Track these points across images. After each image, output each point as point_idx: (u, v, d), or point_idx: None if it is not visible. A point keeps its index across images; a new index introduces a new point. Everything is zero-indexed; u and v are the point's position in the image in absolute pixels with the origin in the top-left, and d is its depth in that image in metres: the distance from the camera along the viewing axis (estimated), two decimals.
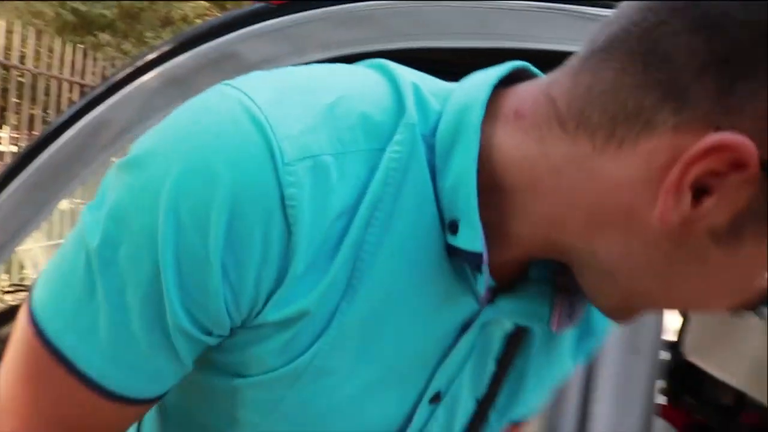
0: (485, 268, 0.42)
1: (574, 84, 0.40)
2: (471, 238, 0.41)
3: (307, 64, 0.99)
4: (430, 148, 0.43)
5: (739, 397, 2.05)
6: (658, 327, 1.12)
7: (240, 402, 0.47)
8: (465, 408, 0.54)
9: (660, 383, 2.43)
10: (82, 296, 0.41)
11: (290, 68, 0.46)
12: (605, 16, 0.92)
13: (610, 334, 1.02)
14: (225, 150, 0.38)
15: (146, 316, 0.40)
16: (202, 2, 7.60)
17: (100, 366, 0.41)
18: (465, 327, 0.48)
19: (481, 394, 0.54)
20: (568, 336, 0.58)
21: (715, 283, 0.42)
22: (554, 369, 0.59)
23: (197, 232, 0.38)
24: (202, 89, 0.40)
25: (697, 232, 0.38)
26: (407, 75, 0.45)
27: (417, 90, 0.44)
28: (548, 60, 0.90)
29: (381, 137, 0.42)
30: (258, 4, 1.00)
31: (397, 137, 0.42)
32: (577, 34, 0.95)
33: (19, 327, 0.44)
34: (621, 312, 0.47)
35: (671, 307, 0.50)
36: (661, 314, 1.11)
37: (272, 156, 0.38)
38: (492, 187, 0.42)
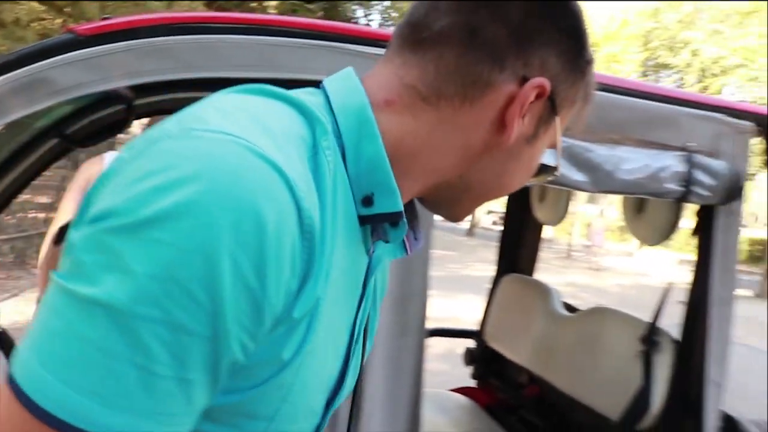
0: (404, 221, 0.58)
1: (424, 71, 0.58)
2: (391, 202, 0.57)
3: (113, 89, 1.11)
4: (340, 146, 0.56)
5: (530, 375, 2.35)
6: (423, 312, 1.31)
7: (249, 412, 0.52)
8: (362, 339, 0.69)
9: (468, 369, 2.73)
10: (111, 363, 0.40)
11: (237, 107, 0.51)
12: (368, 52, 1.15)
13: (382, 319, 1.21)
14: (263, 193, 0.43)
15: (201, 359, 0.42)
16: (36, 5, 7.08)
17: (129, 424, 0.41)
18: (366, 278, 0.63)
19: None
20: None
21: (525, 168, 0.65)
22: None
23: (254, 270, 0.42)
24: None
25: (519, 141, 0.61)
26: (295, 95, 0.56)
27: (310, 106, 0.55)
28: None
29: (312, 148, 0.52)
30: (66, 35, 1.09)
31: (324, 143, 0.53)
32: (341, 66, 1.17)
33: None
34: (465, 214, 0.69)
35: (500, 195, 0.67)
36: (425, 300, 1.32)
37: (292, 192, 0.45)
38: (390, 160, 0.57)
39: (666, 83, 21.05)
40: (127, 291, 0.40)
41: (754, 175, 14.60)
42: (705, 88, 15.79)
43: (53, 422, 0.40)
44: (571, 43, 0.61)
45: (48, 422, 0.40)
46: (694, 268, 1.63)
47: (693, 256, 1.63)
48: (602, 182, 1.35)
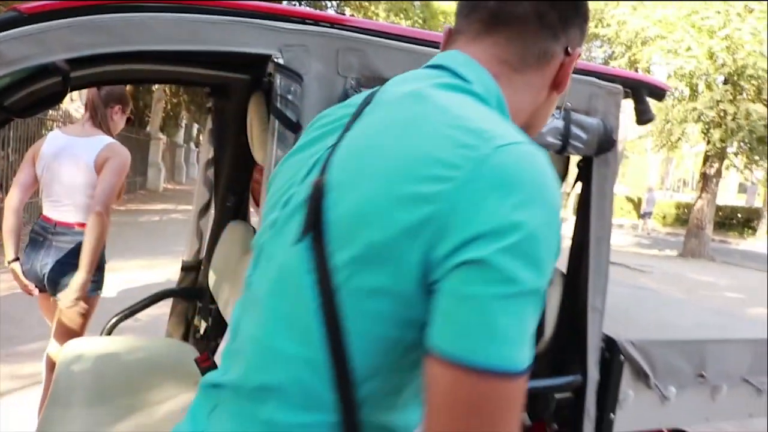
0: None
1: (513, 47, 0.82)
2: None
3: (52, 62, 1.25)
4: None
5: None
6: None
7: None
8: None
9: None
10: (527, 327, 0.61)
11: (482, 111, 0.74)
12: (290, 29, 1.34)
13: None
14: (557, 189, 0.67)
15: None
16: None
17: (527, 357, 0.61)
18: None
19: None
20: None
21: (549, 110, 0.92)
22: None
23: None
24: None
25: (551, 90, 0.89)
26: (455, 82, 0.80)
27: (485, 95, 0.79)
28: (243, 59, 1.34)
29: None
30: (11, 13, 1.22)
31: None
32: (267, 41, 1.35)
33: (470, 400, 0.59)
34: None
35: (539, 128, 0.93)
36: None
37: None
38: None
39: (596, 53, 21.75)
40: (532, 279, 0.61)
41: (678, 140, 15.34)
42: (634, 59, 16.37)
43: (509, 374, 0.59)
44: (583, 21, 0.88)
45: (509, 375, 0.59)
46: (576, 211, 1.89)
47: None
48: None
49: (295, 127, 1.36)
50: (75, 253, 2.65)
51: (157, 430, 1.56)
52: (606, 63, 20.30)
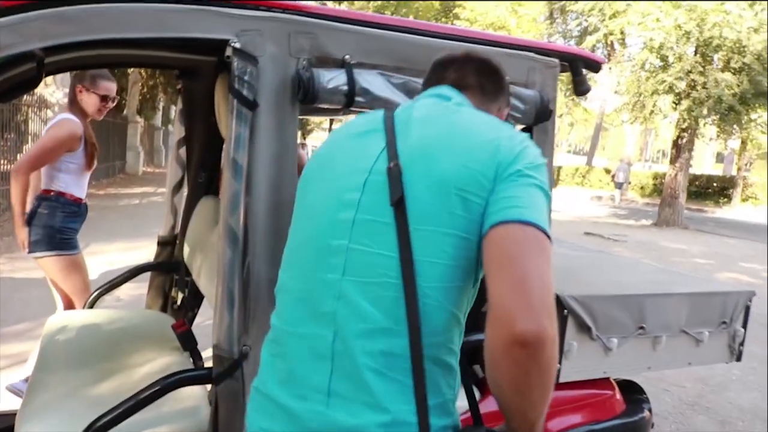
0: None
1: (473, 101, 1.29)
2: None
3: (30, 50, 1.38)
4: None
5: None
6: None
7: None
8: None
9: None
10: (546, 211, 1.04)
11: (485, 118, 1.22)
12: (245, 15, 1.46)
13: None
14: None
15: None
16: None
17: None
18: None
19: None
20: None
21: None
22: None
23: None
24: None
25: None
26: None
27: None
28: (199, 44, 1.48)
29: None
30: None
31: None
32: (225, 27, 1.48)
33: (534, 239, 0.97)
34: None
35: None
36: None
37: None
38: None
39: (571, 26, 21.86)
40: (542, 184, 1.08)
41: (651, 113, 15.56)
42: (609, 32, 16.52)
43: (543, 231, 0.99)
44: (507, 92, 1.39)
45: (543, 232, 0.99)
46: None
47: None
48: None
49: (252, 105, 1.50)
50: (32, 215, 3.07)
51: (137, 388, 1.71)
52: (581, 36, 20.47)
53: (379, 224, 1.08)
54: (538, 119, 1.89)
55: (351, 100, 1.58)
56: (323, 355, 1.06)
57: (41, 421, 1.61)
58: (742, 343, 2.61)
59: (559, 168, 34.57)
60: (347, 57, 1.60)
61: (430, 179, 1.06)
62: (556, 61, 1.93)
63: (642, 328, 2.28)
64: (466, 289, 1.09)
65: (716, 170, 39.61)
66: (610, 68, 17.73)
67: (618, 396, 2.39)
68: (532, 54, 1.88)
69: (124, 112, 19.01)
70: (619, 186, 25.09)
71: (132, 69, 17.11)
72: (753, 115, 15.36)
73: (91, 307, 2.64)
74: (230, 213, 1.49)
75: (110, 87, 3.20)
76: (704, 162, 45.46)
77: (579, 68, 2.00)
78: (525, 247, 0.96)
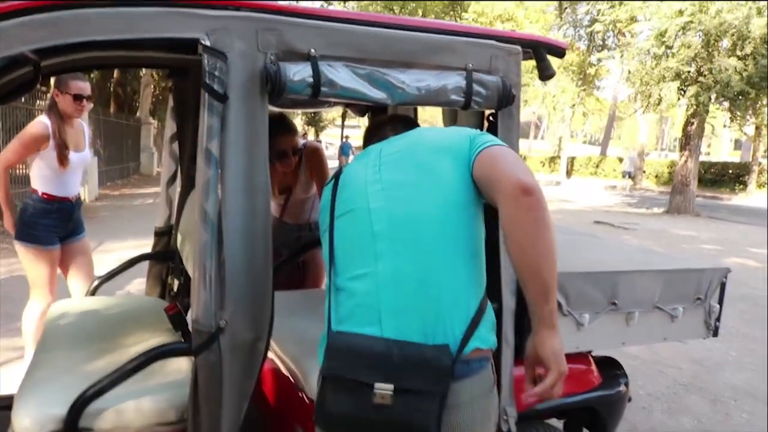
0: None
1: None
2: None
3: (22, 53, 1.51)
4: None
5: None
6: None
7: None
8: None
9: None
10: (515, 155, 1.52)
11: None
12: (214, 15, 1.58)
13: None
14: None
15: None
16: None
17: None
18: None
19: None
20: None
21: None
22: None
23: None
24: None
25: None
26: None
27: None
28: (168, 43, 1.61)
29: None
30: None
31: None
32: (194, 26, 1.59)
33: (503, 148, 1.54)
34: None
35: None
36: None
37: None
38: None
39: (581, 15, 21.82)
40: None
41: (658, 101, 15.49)
42: (617, 19, 16.52)
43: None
44: None
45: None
46: None
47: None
48: (398, 97, 1.82)
49: (222, 98, 1.62)
50: (23, 210, 3.48)
51: None
52: (591, 24, 20.40)
53: None
54: (502, 104, 1.98)
55: (317, 91, 1.69)
56: None
57: (37, 395, 1.75)
58: (718, 319, 2.68)
59: (573, 159, 34.42)
60: (312, 51, 1.71)
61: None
62: (518, 48, 2.02)
63: (614, 304, 2.37)
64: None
65: (734, 157, 39.20)
66: (622, 55, 17.68)
67: (594, 370, 2.48)
68: (493, 42, 1.98)
69: (138, 114, 19.29)
70: (626, 175, 24.96)
71: (144, 72, 17.35)
72: (766, 100, 15.24)
73: (93, 294, 2.78)
74: (205, 198, 1.61)
75: (82, 86, 3.39)
76: (722, 149, 45.00)
77: (542, 54, 2.09)
78: (501, 151, 1.51)
